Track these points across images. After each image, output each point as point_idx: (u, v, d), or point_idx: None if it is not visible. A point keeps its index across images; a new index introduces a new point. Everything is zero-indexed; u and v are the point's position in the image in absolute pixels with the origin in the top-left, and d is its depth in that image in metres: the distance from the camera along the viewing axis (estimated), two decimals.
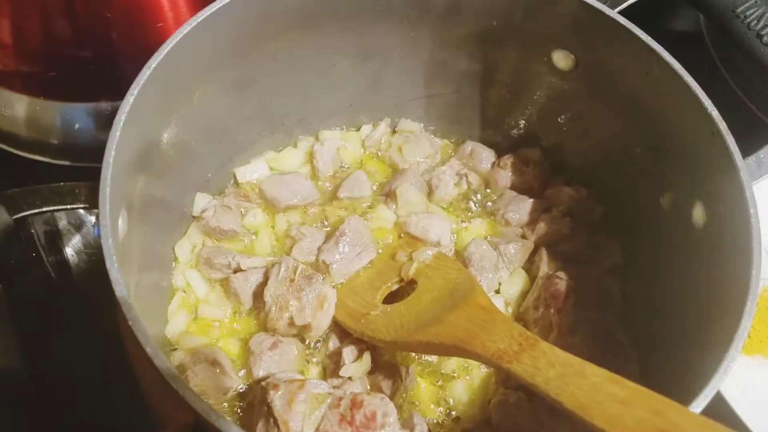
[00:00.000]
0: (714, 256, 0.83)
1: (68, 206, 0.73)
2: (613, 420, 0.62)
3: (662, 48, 0.88)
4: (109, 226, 0.69)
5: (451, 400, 0.95)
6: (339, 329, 0.97)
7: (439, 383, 0.96)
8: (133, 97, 0.77)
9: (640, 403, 0.62)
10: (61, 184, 0.74)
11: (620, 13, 0.93)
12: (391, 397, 0.89)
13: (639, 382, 0.66)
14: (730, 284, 0.76)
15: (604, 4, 0.92)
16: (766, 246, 0.79)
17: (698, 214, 0.88)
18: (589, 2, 0.91)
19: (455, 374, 0.96)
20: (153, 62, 0.80)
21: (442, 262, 1.00)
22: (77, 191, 0.73)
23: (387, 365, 0.95)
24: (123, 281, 0.67)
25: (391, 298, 1.00)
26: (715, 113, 0.83)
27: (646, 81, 0.91)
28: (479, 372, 0.96)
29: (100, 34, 1.06)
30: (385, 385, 0.92)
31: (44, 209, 0.72)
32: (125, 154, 0.78)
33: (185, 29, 0.83)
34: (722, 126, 0.82)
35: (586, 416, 0.63)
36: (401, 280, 1.01)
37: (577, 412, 0.63)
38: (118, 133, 0.74)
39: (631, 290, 1.01)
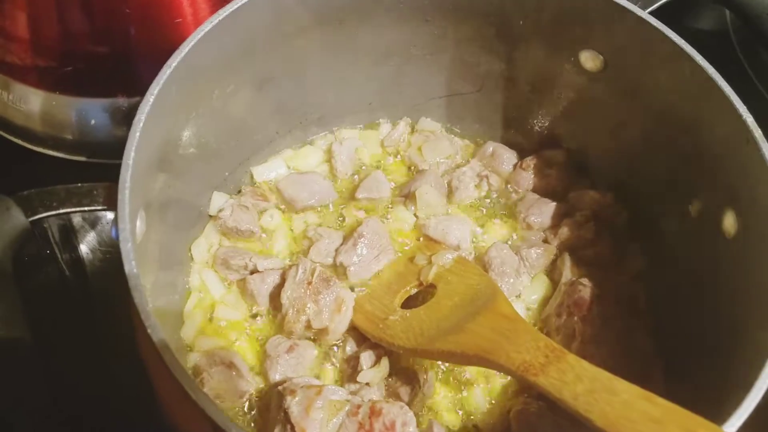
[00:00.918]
0: (746, 267, 0.81)
1: (86, 208, 0.71)
2: None
3: (695, 51, 0.85)
4: (128, 229, 0.68)
5: (470, 408, 0.93)
6: (356, 333, 0.96)
7: (458, 390, 0.94)
8: (153, 96, 0.76)
9: (674, 422, 0.60)
10: (78, 184, 0.72)
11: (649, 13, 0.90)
12: (409, 404, 0.88)
13: (664, 395, 0.64)
14: (765, 297, 0.74)
15: (635, 4, 0.89)
16: None
17: (729, 222, 0.85)
18: (620, 2, 0.88)
19: (474, 381, 0.94)
20: (173, 61, 0.78)
21: (463, 267, 0.98)
22: (95, 192, 0.72)
23: (405, 371, 0.93)
24: (141, 286, 0.66)
25: (409, 302, 0.98)
26: (750, 120, 0.81)
27: (676, 84, 0.89)
28: (499, 379, 0.94)
29: (117, 30, 1.05)
30: (403, 391, 0.91)
31: (61, 211, 0.70)
32: (145, 154, 0.76)
33: (206, 27, 0.82)
34: (757, 133, 0.80)
35: None
36: (420, 284, 0.99)
37: (608, 431, 0.62)
38: (138, 134, 0.73)
39: (657, 298, 0.98)
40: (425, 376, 0.91)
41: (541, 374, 0.71)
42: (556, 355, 0.73)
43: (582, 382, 0.68)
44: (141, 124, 0.73)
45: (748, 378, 0.68)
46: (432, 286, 0.98)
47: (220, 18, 0.83)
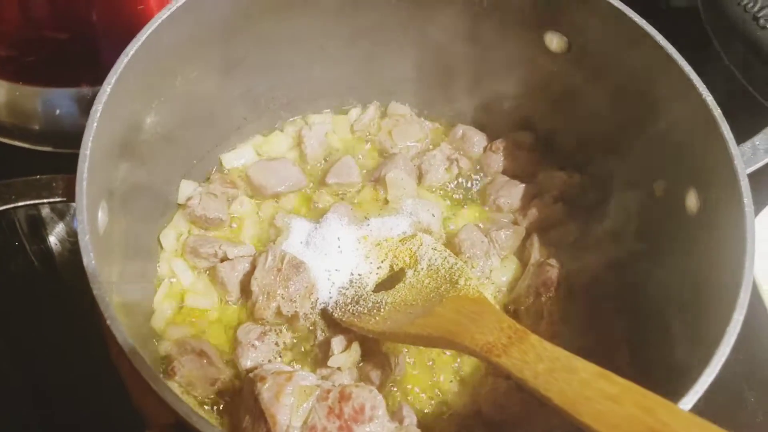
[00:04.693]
0: (707, 245, 0.82)
1: (44, 200, 0.71)
2: (602, 417, 0.60)
3: (656, 31, 0.86)
4: (87, 221, 0.67)
5: (441, 390, 0.94)
6: (327, 318, 0.96)
7: (429, 373, 0.95)
8: (110, 86, 0.75)
9: (630, 400, 0.61)
10: (38, 177, 0.71)
11: None
12: (381, 388, 0.89)
13: (629, 372, 0.65)
14: (724, 275, 0.75)
15: None
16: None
17: (691, 201, 0.86)
18: None
19: (445, 364, 0.95)
20: (131, 49, 0.77)
21: (433, 250, 0.98)
22: (54, 184, 0.71)
23: (376, 355, 0.93)
24: (102, 278, 0.66)
25: (380, 287, 0.98)
26: (709, 99, 0.81)
27: (640, 65, 0.89)
28: (470, 362, 0.95)
29: (80, 17, 1.04)
30: (375, 375, 0.91)
31: (20, 204, 0.70)
32: (104, 144, 0.76)
33: (164, 14, 0.81)
34: (717, 113, 0.80)
35: (574, 413, 0.62)
36: (391, 268, 0.99)
37: (566, 409, 0.62)
38: (95, 124, 0.72)
39: (623, 278, 0.99)
40: (396, 360, 0.92)
41: (503, 355, 0.72)
42: (518, 336, 0.74)
43: (542, 362, 0.68)
44: (98, 115, 0.72)
45: (705, 357, 0.69)
46: (402, 271, 0.98)
47: (180, 4, 0.82)
